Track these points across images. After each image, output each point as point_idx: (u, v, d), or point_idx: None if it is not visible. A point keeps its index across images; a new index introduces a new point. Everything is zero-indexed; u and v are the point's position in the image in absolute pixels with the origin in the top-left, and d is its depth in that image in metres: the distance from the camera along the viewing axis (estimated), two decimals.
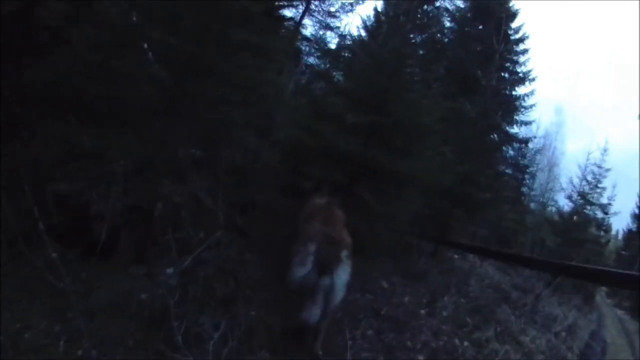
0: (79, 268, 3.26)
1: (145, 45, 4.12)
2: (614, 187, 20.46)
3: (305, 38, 14.63)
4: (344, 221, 4.44)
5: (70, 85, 3.61)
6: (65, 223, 3.29)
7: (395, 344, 4.74)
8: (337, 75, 8.18)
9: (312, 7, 14.09)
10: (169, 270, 3.55)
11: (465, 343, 5.67)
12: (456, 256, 10.43)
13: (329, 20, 14.87)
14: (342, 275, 3.68)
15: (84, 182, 3.39)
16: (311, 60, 14.61)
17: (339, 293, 3.71)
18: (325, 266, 3.61)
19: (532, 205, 27.21)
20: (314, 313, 3.53)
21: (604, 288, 27.71)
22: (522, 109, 19.69)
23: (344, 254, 3.80)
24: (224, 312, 3.55)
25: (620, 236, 36.43)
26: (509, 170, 19.94)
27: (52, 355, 2.66)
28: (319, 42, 14.76)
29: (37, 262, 2.90)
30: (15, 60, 3.48)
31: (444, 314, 6.05)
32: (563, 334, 9.44)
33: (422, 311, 5.86)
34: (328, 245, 3.74)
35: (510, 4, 18.67)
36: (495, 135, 14.83)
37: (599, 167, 19.97)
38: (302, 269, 3.57)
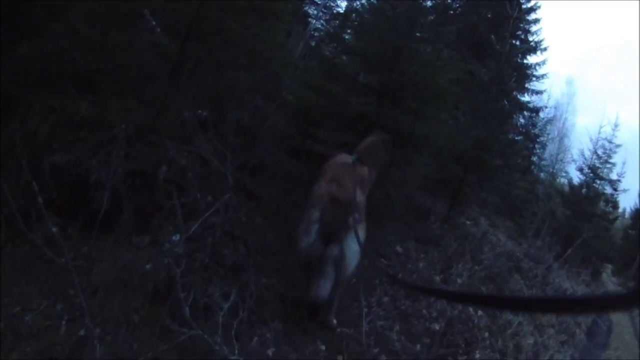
0: (80, 242, 3.11)
1: (147, 13, 3.91)
2: (623, 163, 20.24)
3: (313, 2, 14.35)
4: (363, 180, 3.99)
5: (69, 59, 3.45)
6: (65, 195, 3.13)
7: (411, 312, 4.64)
8: (347, 37, 7.92)
9: None
10: (175, 238, 3.35)
11: (480, 312, 5.58)
12: (468, 222, 10.29)
13: None
14: (352, 243, 3.31)
15: (83, 150, 3.23)
16: (320, 24, 14.34)
17: (351, 263, 3.43)
18: (332, 233, 3.34)
19: (542, 175, 27.04)
20: (324, 288, 3.30)
21: (609, 266, 27.76)
22: (534, 78, 19.49)
23: (353, 218, 3.41)
24: (233, 281, 3.39)
25: (627, 214, 36.37)
26: (519, 138, 19.78)
27: (54, 337, 2.53)
28: (327, 6, 14.49)
29: (37, 240, 2.77)
30: (12, 36, 3.28)
31: (459, 281, 5.93)
32: None
33: (437, 278, 5.75)
34: (334, 209, 3.41)
35: None
36: (507, 102, 14.55)
37: (610, 142, 19.62)
38: (307, 239, 3.33)
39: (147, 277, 3.06)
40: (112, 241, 3.25)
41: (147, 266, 3.12)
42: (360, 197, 3.69)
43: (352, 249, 3.35)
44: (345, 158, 4.16)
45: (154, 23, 3.99)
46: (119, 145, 3.36)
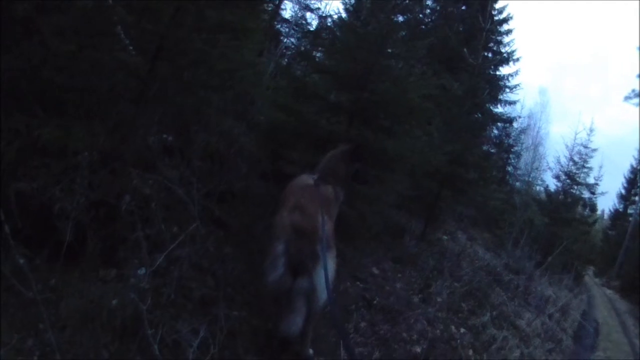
0: (47, 274, 2.96)
1: (121, 31, 3.79)
2: (600, 167, 20.82)
3: (285, 20, 14.37)
4: (328, 200, 3.75)
5: (40, 77, 3.31)
6: (31, 225, 2.99)
7: (390, 336, 4.52)
8: (318, 55, 7.88)
9: None
10: (140, 271, 3.19)
11: (462, 330, 5.56)
12: (445, 237, 10.28)
13: (308, 1, 14.62)
14: (322, 273, 3.07)
15: (47, 178, 3.09)
16: (291, 41, 14.35)
17: (322, 294, 3.16)
18: (299, 266, 3.14)
19: (518, 184, 27.41)
20: (294, 323, 3.09)
21: (591, 268, 28.33)
22: (507, 89, 19.83)
23: (320, 247, 3.17)
24: (203, 315, 3.24)
25: (605, 216, 37.32)
26: (493, 150, 20.08)
27: None
28: (299, 24, 14.52)
29: (5, 270, 2.64)
30: None
31: (438, 300, 5.87)
32: (556, 315, 9.50)
33: (416, 298, 5.66)
34: (299, 239, 3.18)
35: None
36: (480, 115, 14.70)
37: (586, 147, 20.23)
38: (274, 273, 3.10)
39: (115, 313, 2.90)
40: (78, 274, 3.10)
41: (114, 302, 2.96)
42: (327, 222, 3.45)
43: (323, 280, 3.08)
44: (305, 180, 3.92)
45: (127, 42, 3.89)
46: (82, 174, 3.21)
